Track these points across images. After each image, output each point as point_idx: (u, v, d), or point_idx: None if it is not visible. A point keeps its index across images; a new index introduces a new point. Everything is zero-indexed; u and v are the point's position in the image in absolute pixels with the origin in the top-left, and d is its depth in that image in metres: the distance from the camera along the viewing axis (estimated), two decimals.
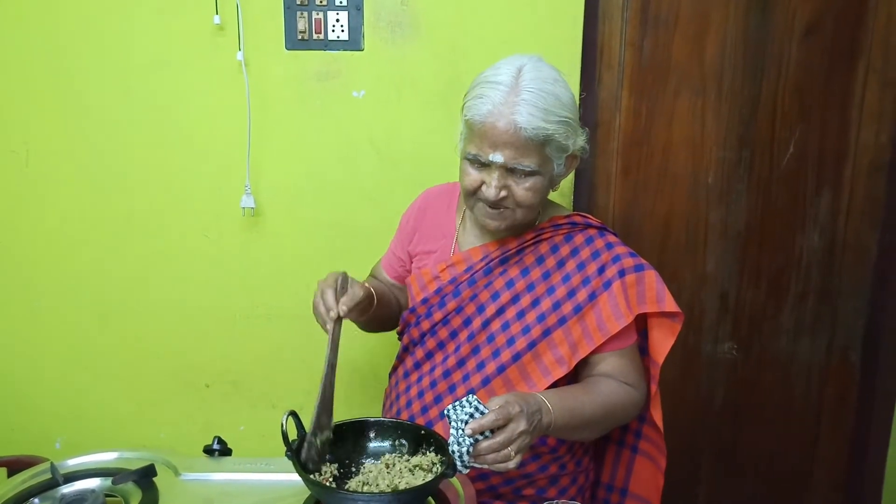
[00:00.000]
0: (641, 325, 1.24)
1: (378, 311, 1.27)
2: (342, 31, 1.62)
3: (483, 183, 1.13)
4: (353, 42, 1.63)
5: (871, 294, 1.78)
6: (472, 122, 1.11)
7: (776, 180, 1.73)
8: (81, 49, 1.66)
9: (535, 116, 1.07)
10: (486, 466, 0.95)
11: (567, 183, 1.70)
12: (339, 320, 1.09)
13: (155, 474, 1.06)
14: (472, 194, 1.16)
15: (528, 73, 1.09)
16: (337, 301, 1.10)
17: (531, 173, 1.12)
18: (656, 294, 1.18)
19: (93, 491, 1.03)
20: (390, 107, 1.66)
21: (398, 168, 1.69)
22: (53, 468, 1.06)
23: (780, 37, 1.66)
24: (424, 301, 1.27)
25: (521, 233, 1.23)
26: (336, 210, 1.72)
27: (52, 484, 1.04)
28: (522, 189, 1.13)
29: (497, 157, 1.10)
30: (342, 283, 1.14)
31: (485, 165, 1.12)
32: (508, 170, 1.11)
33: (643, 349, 1.26)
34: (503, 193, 1.13)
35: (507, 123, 1.07)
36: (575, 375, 1.22)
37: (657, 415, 1.24)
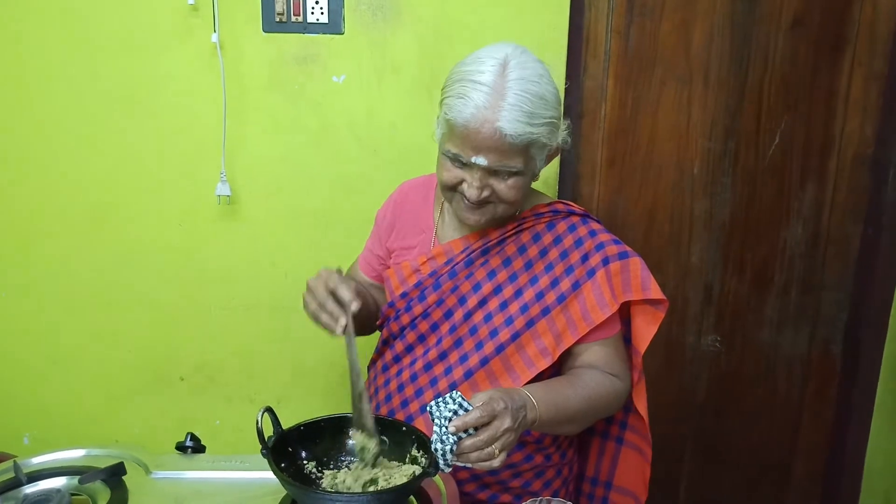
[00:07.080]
0: (625, 313, 1.22)
1: (357, 316, 1.23)
2: (322, 13, 1.58)
3: (463, 180, 1.10)
4: (333, 25, 1.59)
5: (854, 287, 1.78)
6: (453, 123, 1.06)
7: (761, 172, 1.72)
8: (47, 30, 1.59)
9: (521, 122, 1.02)
10: (469, 465, 0.93)
11: (552, 173, 1.68)
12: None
13: (124, 473, 1.03)
14: (452, 189, 1.12)
15: (514, 73, 1.03)
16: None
17: (515, 173, 1.08)
18: (641, 282, 1.16)
19: (58, 491, 1.00)
20: (371, 92, 1.62)
21: (378, 155, 1.66)
22: (16, 467, 1.02)
23: (766, 27, 1.65)
24: (404, 295, 1.24)
25: (502, 223, 1.21)
26: (314, 198, 1.68)
27: (15, 483, 1.01)
28: (506, 187, 1.09)
29: (480, 160, 1.05)
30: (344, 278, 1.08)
31: (466, 164, 1.08)
32: (491, 171, 1.08)
33: (626, 338, 1.24)
34: (486, 193, 1.09)
35: (491, 130, 1.02)
36: (559, 365, 1.21)
37: (641, 404, 1.22)
